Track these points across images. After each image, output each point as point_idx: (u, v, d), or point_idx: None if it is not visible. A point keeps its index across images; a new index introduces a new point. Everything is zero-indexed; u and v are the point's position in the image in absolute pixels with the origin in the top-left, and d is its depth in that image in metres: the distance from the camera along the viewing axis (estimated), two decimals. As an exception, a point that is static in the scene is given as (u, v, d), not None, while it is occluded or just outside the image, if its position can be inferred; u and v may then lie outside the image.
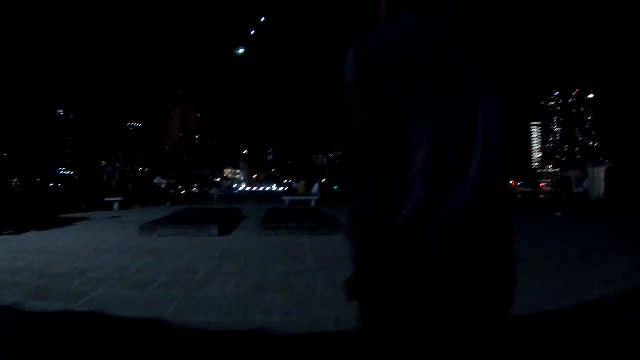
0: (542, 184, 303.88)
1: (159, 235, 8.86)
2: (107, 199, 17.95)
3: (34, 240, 8.47)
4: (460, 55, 1.21)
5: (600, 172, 21.92)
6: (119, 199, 18.16)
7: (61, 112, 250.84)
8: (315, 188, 23.55)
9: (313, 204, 21.25)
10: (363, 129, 1.14)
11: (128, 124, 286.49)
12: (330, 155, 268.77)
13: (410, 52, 1.13)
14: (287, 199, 21.92)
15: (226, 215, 11.69)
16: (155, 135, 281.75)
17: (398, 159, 1.10)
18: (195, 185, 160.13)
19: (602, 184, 21.63)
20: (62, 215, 13.48)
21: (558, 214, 14.74)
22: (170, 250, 7.25)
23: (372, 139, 1.12)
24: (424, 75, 1.12)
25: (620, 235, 9.42)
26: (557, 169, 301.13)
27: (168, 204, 21.78)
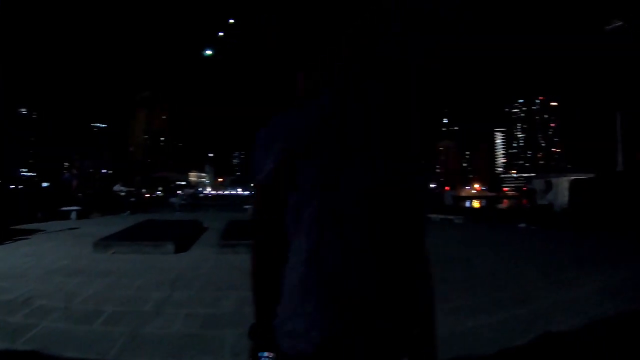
0: (506, 189, 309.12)
1: (113, 253, 8.40)
2: (63, 208, 17.21)
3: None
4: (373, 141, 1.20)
5: (563, 182, 22.10)
6: (76, 208, 17.38)
7: (24, 110, 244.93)
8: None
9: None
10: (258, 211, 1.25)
11: (92, 125, 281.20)
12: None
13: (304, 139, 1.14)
14: (248, 207, 21.62)
15: (184, 229, 11.28)
16: (120, 136, 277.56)
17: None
18: (159, 189, 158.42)
19: (566, 194, 21.82)
20: (16, 227, 12.73)
21: (522, 224, 14.72)
22: (122, 271, 6.86)
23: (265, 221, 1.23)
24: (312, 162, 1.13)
25: (586, 250, 9.35)
26: (522, 174, 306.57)
27: (128, 212, 21.01)
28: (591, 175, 21.67)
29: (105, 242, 8.73)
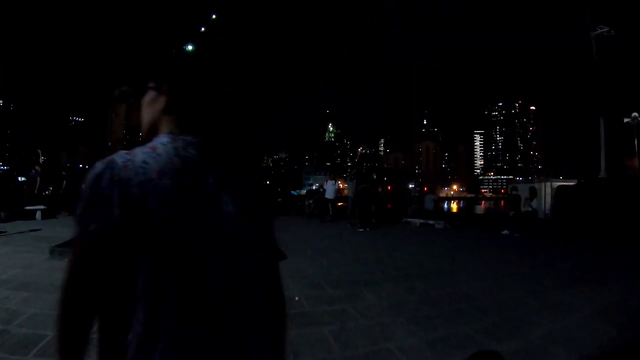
0: (484, 190, 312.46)
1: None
2: (28, 207, 16.27)
3: None
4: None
5: (546, 188, 21.86)
6: (40, 207, 16.38)
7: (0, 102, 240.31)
8: None
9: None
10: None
11: (70, 118, 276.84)
12: (275, 156, 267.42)
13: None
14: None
15: None
16: (98, 131, 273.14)
17: None
18: None
19: (548, 201, 21.58)
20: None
21: (505, 232, 14.35)
22: (73, 285, 6.16)
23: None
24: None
25: (576, 264, 8.90)
26: (500, 177, 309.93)
27: None
28: (573, 182, 21.48)
29: (62, 249, 7.83)
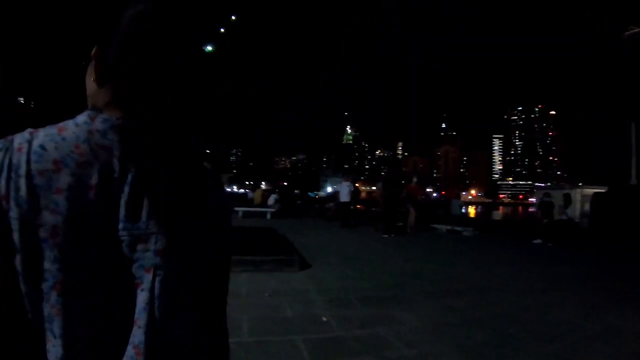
0: (502, 195, 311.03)
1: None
2: None
3: None
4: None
5: (576, 195, 21.05)
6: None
7: (21, 99, 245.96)
8: (272, 199, 22.33)
9: (269, 216, 20.32)
10: None
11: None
12: (293, 158, 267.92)
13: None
14: (240, 210, 20.59)
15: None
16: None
17: None
18: None
19: (578, 208, 20.76)
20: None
21: (537, 241, 13.57)
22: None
23: None
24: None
25: (622, 277, 8.25)
26: (519, 182, 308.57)
27: None
28: (603, 189, 20.59)
29: None
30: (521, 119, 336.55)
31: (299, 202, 23.00)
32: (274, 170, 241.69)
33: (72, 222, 0.79)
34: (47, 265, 0.78)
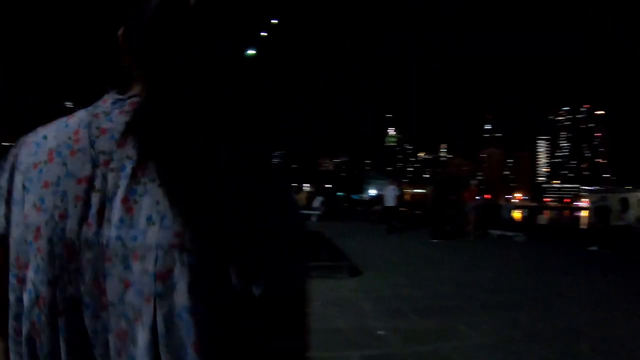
0: (547, 199, 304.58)
1: None
2: None
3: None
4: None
5: (633, 199, 20.25)
6: None
7: (70, 104, 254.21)
8: (317, 202, 21.84)
9: (314, 219, 19.73)
10: None
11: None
12: (336, 160, 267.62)
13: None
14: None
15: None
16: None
17: None
18: None
19: (634, 212, 19.97)
20: None
21: (593, 247, 12.96)
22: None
23: None
24: None
25: None
26: (564, 185, 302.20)
27: None
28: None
29: None
30: (567, 120, 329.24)
31: (344, 204, 22.52)
32: (318, 172, 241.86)
33: (54, 223, 0.64)
34: (30, 274, 0.65)
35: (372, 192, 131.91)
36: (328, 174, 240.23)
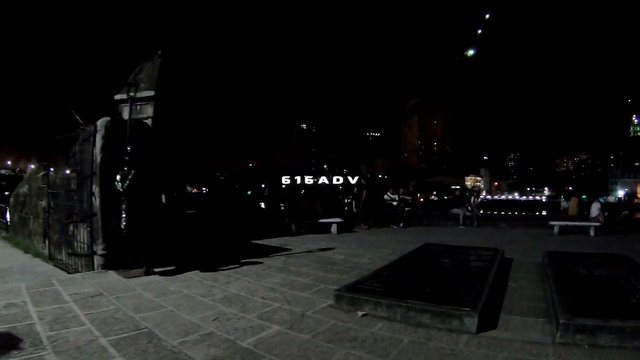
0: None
1: (363, 315, 5.12)
2: (321, 220, 16.34)
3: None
4: None
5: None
6: (337, 219, 16.31)
7: (304, 126, 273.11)
8: (595, 209, 17.12)
9: (592, 232, 15.95)
10: None
11: (367, 134, 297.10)
12: (576, 158, 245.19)
13: None
14: (555, 224, 16.64)
15: (481, 269, 7.02)
16: (393, 143, 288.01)
17: None
18: (434, 193, 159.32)
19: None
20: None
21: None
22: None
23: None
24: None
25: None
26: None
27: (401, 225, 18.97)
28: None
29: (352, 295, 5.51)
30: None
31: (624, 212, 17.82)
32: (555, 173, 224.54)
33: None
34: None
35: (620, 192, 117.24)
36: (567, 174, 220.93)
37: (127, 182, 7.21)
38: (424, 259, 8.02)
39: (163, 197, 8.51)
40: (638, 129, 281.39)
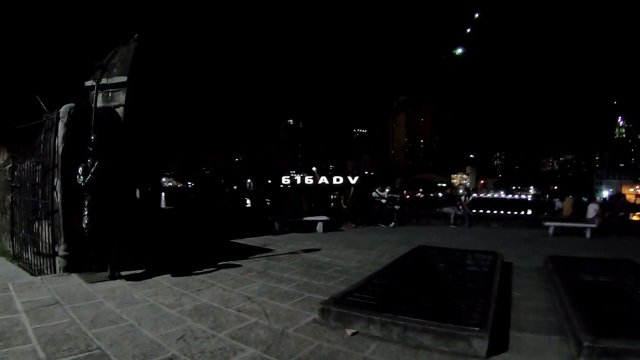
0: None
1: (353, 334, 4.42)
2: (306, 218, 15.62)
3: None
4: None
5: None
6: (323, 217, 15.46)
7: (291, 121, 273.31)
8: (592, 210, 16.45)
9: (588, 234, 15.30)
10: None
11: (353, 130, 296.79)
12: (561, 158, 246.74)
13: None
14: (550, 225, 16.04)
15: (482, 276, 6.41)
16: (379, 140, 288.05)
17: None
18: (420, 190, 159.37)
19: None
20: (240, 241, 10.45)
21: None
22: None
23: None
24: None
25: None
26: None
27: (392, 224, 18.14)
28: None
29: (339, 310, 4.77)
30: None
31: (620, 214, 17.13)
32: (541, 173, 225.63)
33: None
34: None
35: (605, 193, 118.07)
36: (552, 174, 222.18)
37: (89, 175, 6.53)
38: (418, 264, 7.34)
39: (137, 192, 8.09)
40: (623, 130, 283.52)
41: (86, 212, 6.55)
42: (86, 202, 6.56)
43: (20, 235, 8.81)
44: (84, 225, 6.54)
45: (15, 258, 8.65)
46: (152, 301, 5.41)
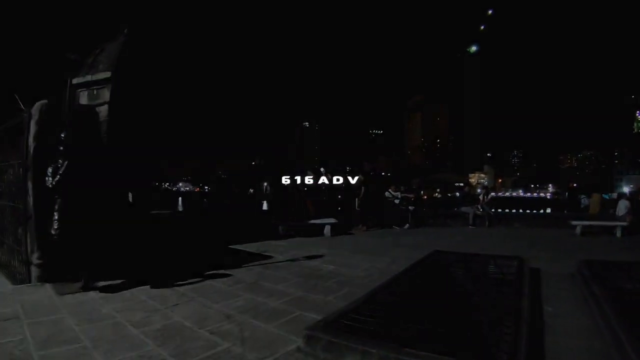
0: None
1: None
2: (313, 221, 14.78)
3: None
4: None
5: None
6: (330, 220, 14.66)
7: (307, 124, 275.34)
8: (623, 207, 15.46)
9: (619, 233, 14.30)
10: None
11: (370, 131, 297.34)
12: (579, 155, 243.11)
13: None
14: (577, 224, 14.94)
15: (517, 300, 4.95)
16: (396, 141, 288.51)
17: None
18: (437, 190, 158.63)
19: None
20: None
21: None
22: None
23: None
24: None
25: None
26: None
27: (407, 226, 17.25)
28: None
29: (329, 335, 3.87)
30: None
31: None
32: (559, 170, 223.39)
33: None
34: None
35: (625, 189, 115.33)
36: (571, 171, 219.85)
37: (58, 176, 5.93)
38: (432, 274, 6.50)
39: (130, 195, 7.87)
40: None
41: (56, 217, 5.98)
42: (56, 206, 5.98)
43: (6, 243, 8.27)
44: (52, 231, 5.97)
45: (2, 266, 8.11)
46: (119, 318, 4.74)
